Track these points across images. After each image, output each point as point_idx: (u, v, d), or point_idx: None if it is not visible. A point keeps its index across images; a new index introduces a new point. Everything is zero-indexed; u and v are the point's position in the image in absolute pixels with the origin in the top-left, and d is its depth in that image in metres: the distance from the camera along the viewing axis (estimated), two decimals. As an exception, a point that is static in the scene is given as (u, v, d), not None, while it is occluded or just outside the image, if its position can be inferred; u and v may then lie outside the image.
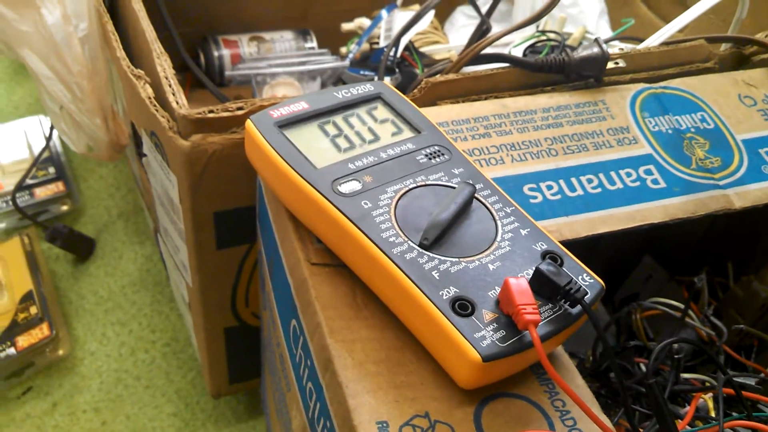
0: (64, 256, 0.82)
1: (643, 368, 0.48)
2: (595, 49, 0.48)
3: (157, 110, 0.46)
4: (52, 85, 0.58)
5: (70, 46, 0.57)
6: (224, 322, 0.59)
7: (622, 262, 0.61)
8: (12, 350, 0.69)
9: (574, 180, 0.43)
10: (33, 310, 0.73)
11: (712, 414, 0.41)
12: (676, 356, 0.46)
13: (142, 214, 0.86)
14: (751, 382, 0.46)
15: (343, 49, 0.77)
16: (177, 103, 0.45)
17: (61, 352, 0.72)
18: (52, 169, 0.87)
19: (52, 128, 0.77)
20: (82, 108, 0.59)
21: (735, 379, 0.44)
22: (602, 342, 0.32)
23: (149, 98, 0.47)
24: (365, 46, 0.73)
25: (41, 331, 0.71)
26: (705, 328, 0.49)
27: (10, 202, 0.81)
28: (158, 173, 0.52)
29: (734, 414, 0.42)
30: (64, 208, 0.86)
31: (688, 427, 0.38)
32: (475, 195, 0.36)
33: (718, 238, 0.60)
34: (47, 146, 0.84)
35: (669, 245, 0.60)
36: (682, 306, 0.48)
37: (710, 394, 0.41)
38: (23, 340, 0.70)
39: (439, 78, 0.47)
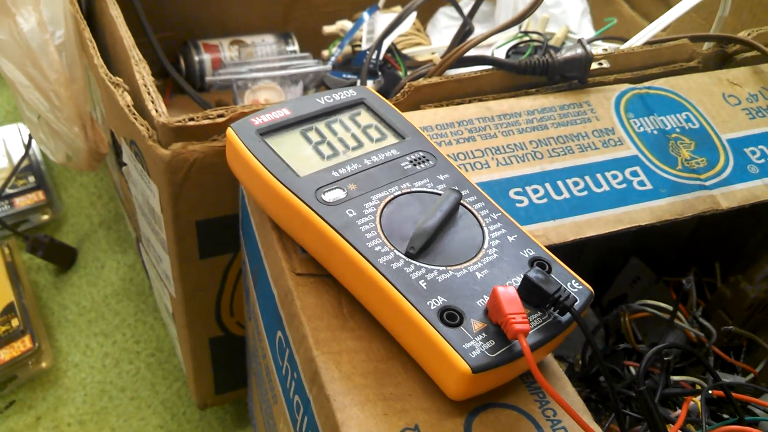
0: (45, 267, 0.81)
1: (633, 371, 0.48)
2: (579, 50, 0.48)
3: (136, 118, 0.45)
4: (28, 93, 0.57)
5: (46, 53, 0.56)
6: (209, 332, 0.58)
7: (609, 264, 0.61)
8: (-7, 364, 0.68)
9: (560, 183, 0.42)
10: (14, 322, 0.72)
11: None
12: (665, 359, 0.46)
13: (123, 222, 0.85)
14: (741, 382, 0.46)
15: (325, 53, 0.76)
16: (156, 111, 0.44)
17: (44, 364, 0.71)
18: (31, 178, 0.86)
19: (31, 137, 0.76)
20: (59, 116, 0.58)
21: (725, 380, 0.44)
22: (593, 349, 0.32)
23: (128, 106, 0.46)
24: (347, 49, 0.73)
25: (23, 344, 0.70)
26: (694, 330, 0.49)
27: (-11, 213, 0.79)
28: (139, 182, 0.51)
29: (725, 416, 0.42)
30: (45, 217, 0.84)
31: None
32: (461, 201, 0.35)
33: (705, 239, 0.59)
34: (26, 155, 0.83)
35: (656, 246, 0.60)
36: (670, 308, 0.48)
37: (700, 397, 0.41)
38: (5, 354, 0.69)
39: (422, 82, 0.47)
